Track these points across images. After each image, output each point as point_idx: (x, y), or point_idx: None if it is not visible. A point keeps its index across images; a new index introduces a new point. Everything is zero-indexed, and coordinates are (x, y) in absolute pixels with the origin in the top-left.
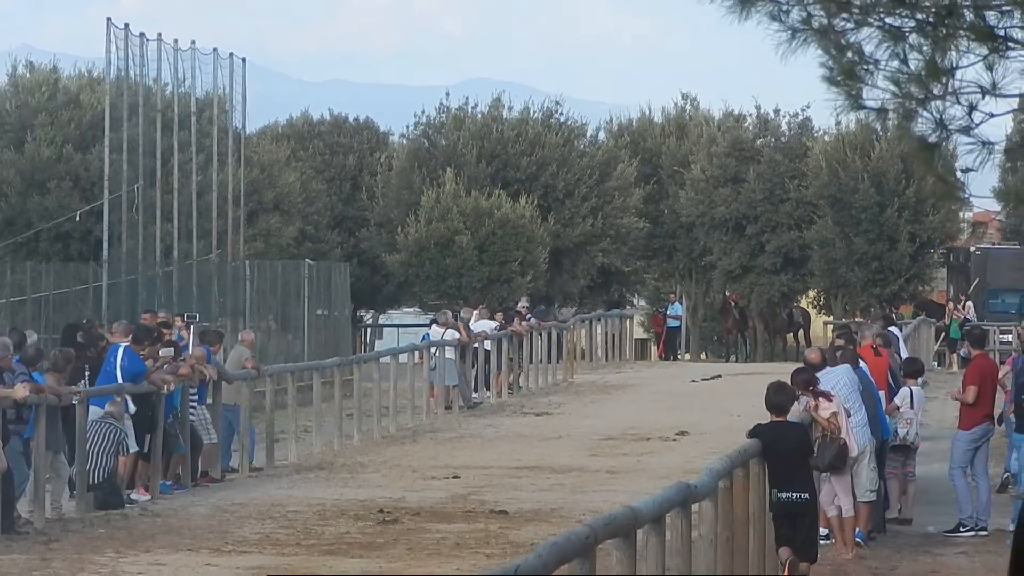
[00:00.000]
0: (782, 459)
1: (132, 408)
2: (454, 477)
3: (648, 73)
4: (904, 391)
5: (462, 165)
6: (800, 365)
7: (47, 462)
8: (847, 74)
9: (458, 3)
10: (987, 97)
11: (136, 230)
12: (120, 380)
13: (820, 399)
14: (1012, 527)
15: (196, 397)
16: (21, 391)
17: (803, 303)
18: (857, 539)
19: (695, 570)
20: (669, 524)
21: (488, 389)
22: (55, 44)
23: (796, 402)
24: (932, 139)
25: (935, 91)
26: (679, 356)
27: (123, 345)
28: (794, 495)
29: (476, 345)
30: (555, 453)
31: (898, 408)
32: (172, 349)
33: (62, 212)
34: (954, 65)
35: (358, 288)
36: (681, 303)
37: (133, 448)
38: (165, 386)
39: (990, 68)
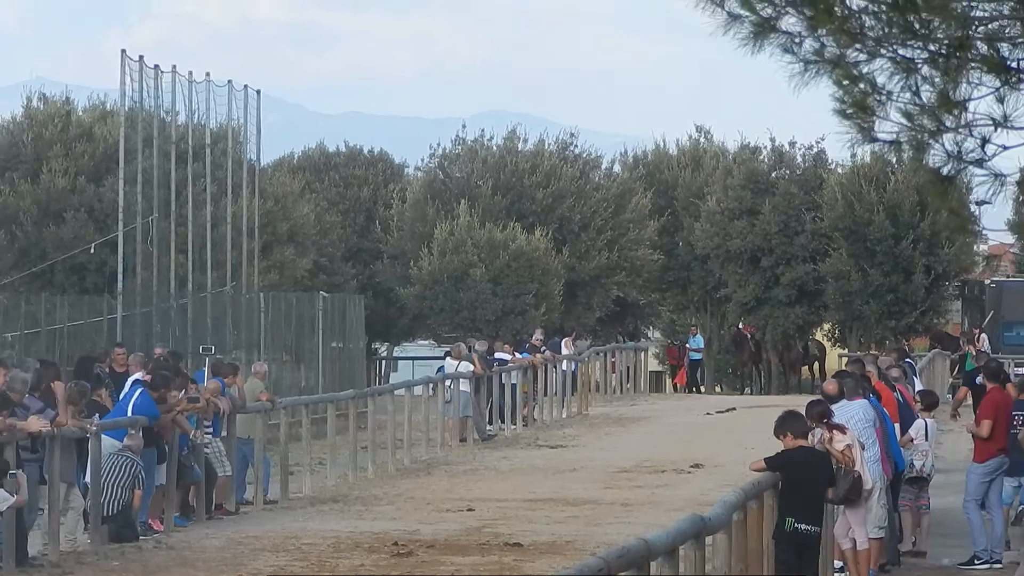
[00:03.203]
0: (807, 487)
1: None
2: (468, 510)
3: (662, 105)
4: (919, 423)
5: (477, 197)
6: (817, 397)
7: (62, 494)
8: (859, 107)
9: (475, 35)
10: (999, 129)
11: (151, 262)
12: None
13: (834, 431)
14: None
15: (211, 430)
16: (36, 423)
17: (818, 335)
18: None
19: None
20: (683, 557)
21: (503, 421)
22: (69, 76)
23: (811, 434)
24: (946, 171)
25: (947, 123)
26: (716, 389)
27: (141, 388)
28: (812, 528)
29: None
30: (569, 485)
31: (912, 440)
32: (199, 398)
33: (77, 243)
34: (966, 97)
35: (372, 320)
36: (703, 336)
37: (154, 483)
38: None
39: (1001, 100)
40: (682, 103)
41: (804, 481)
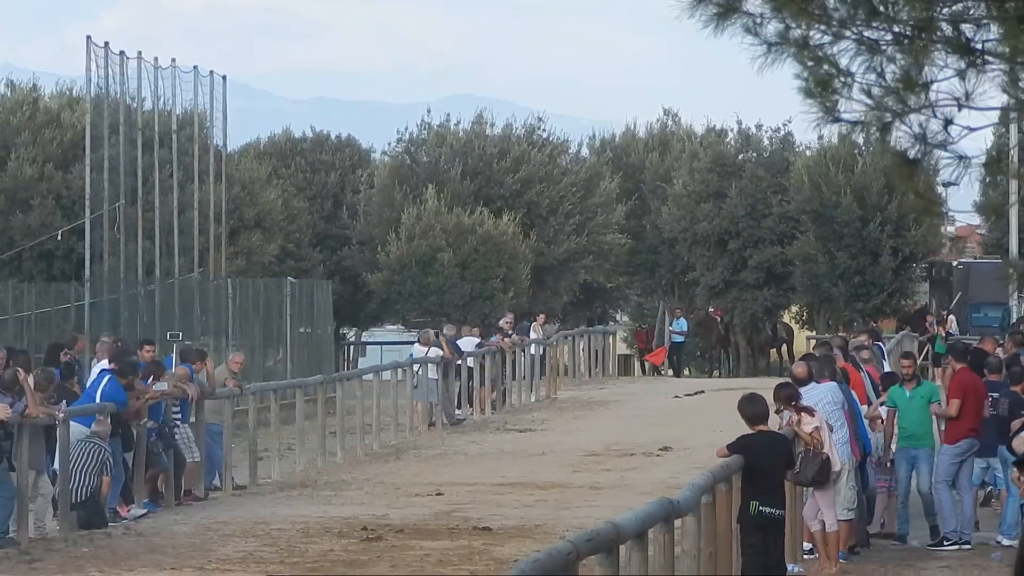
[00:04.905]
0: (768, 471)
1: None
2: (437, 494)
3: (630, 89)
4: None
5: (444, 182)
6: (785, 379)
7: (30, 481)
8: (822, 85)
9: (442, 21)
10: (963, 110)
11: (118, 248)
12: (98, 400)
13: (803, 414)
14: (1000, 539)
15: (179, 416)
16: (3, 411)
17: (786, 318)
18: (840, 559)
19: None
20: (652, 540)
21: (471, 405)
22: (36, 63)
23: (779, 416)
24: (912, 154)
25: (912, 104)
26: (684, 372)
27: (109, 374)
28: (776, 512)
29: (459, 362)
30: (538, 469)
31: (881, 419)
32: (166, 385)
33: (45, 231)
34: (930, 79)
35: (340, 306)
36: (686, 319)
37: (122, 469)
38: (139, 423)
39: (963, 79)
40: (649, 88)
41: (764, 465)
